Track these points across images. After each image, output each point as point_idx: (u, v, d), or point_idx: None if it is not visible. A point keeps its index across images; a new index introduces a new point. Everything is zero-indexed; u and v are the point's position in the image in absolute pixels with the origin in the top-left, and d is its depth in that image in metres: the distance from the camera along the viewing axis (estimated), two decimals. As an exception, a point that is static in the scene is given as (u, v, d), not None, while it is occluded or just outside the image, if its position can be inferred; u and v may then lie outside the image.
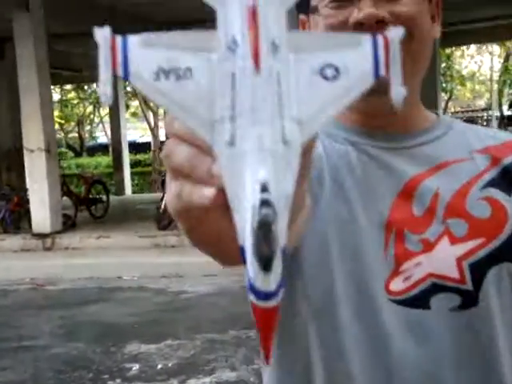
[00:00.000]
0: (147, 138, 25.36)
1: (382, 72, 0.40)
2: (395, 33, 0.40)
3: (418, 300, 0.80)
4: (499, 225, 0.81)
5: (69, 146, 25.70)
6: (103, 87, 0.39)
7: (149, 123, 20.83)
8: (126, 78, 0.39)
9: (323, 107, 0.40)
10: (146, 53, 0.39)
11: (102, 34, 0.39)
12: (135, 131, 28.21)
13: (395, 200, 0.82)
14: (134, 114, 25.12)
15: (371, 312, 0.80)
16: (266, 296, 0.38)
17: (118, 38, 0.39)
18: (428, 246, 0.80)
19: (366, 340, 0.80)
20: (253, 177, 0.37)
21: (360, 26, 0.78)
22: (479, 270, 0.80)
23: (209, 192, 0.41)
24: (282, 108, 0.38)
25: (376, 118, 0.85)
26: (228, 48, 0.39)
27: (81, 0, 9.47)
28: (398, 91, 0.40)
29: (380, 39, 0.40)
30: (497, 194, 0.83)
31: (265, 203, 0.36)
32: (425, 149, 0.86)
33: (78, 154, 24.90)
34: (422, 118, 0.90)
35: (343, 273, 0.80)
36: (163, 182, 9.50)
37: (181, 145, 0.42)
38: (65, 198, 10.09)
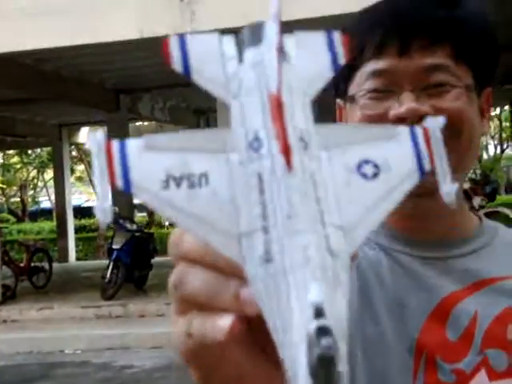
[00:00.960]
0: (93, 202, 24.98)
1: (427, 167, 0.35)
2: (435, 122, 0.35)
3: None
4: None
5: (10, 211, 25.03)
6: (100, 204, 0.33)
7: (95, 187, 20.57)
8: (127, 190, 0.33)
9: (367, 211, 0.34)
10: (151, 158, 0.34)
11: (94, 140, 0.33)
12: (81, 195, 27.78)
13: (427, 320, 0.73)
14: (79, 178, 24.79)
15: None
16: None
17: (115, 144, 0.34)
18: (463, 379, 0.71)
19: None
20: (301, 299, 0.30)
21: (401, 121, 0.71)
22: None
23: (224, 322, 0.33)
24: (322, 214, 0.32)
25: (415, 221, 0.76)
26: (249, 146, 0.34)
27: (25, 66, 9.42)
28: (448, 188, 0.34)
29: (418, 130, 0.35)
30: None
31: (323, 332, 0.28)
32: (465, 261, 0.77)
33: (19, 220, 24.25)
34: (465, 223, 0.80)
35: None
36: (109, 250, 9.28)
37: (195, 269, 0.35)
38: (4, 266, 9.72)
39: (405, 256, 0.77)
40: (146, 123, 16.64)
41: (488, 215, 9.73)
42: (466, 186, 13.56)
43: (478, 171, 21.03)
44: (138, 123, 16.41)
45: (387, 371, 0.72)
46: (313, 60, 0.37)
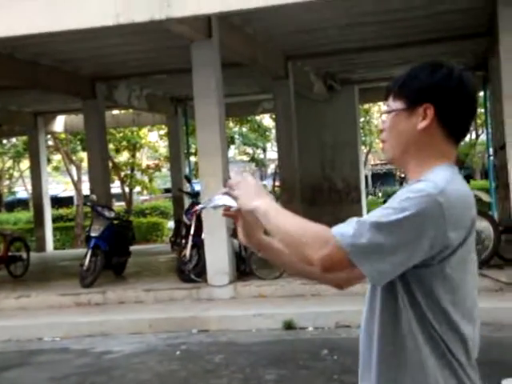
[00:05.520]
0: (70, 192, 24.74)
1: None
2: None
3: None
4: None
5: (-14, 202, 24.70)
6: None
7: (72, 177, 20.39)
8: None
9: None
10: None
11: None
12: (57, 185, 27.50)
13: None
14: (55, 168, 24.52)
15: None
16: None
17: None
18: None
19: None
20: None
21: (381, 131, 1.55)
22: None
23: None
24: None
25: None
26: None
27: (1, 54, 9.29)
28: None
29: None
30: None
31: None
32: None
33: (-4, 210, 23.95)
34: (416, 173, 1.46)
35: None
36: (87, 238, 9.25)
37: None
38: (-18, 256, 9.64)
39: None
40: (123, 111, 16.52)
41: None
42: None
43: (454, 158, 21.14)
44: (114, 111, 16.28)
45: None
46: None
